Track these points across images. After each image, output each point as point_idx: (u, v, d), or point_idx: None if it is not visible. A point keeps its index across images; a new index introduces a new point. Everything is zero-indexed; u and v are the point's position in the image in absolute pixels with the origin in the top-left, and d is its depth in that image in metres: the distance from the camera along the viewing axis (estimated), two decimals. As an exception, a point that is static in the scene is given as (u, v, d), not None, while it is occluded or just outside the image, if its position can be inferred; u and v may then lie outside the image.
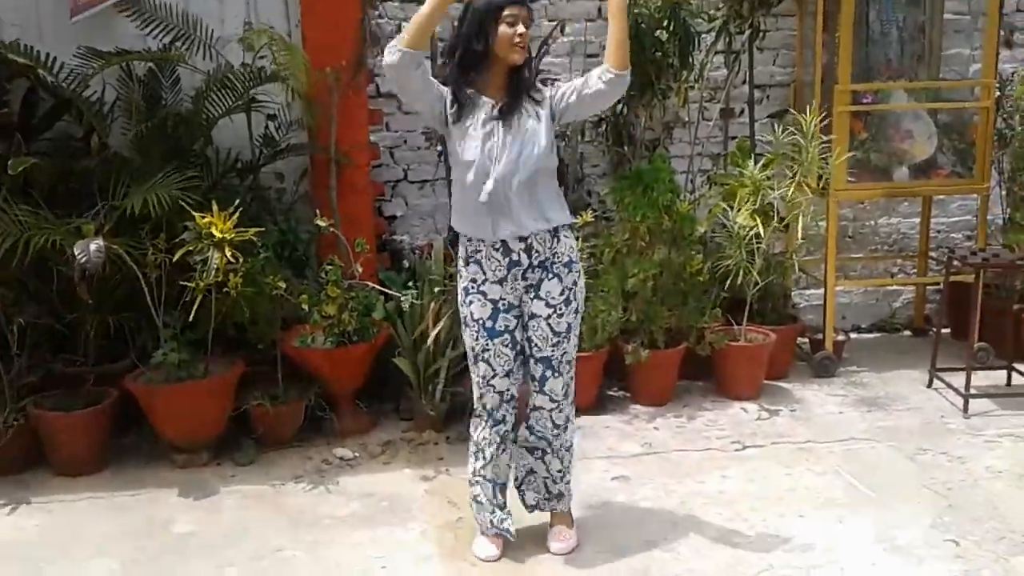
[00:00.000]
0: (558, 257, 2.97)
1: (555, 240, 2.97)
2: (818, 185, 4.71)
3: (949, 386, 4.64)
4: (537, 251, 2.94)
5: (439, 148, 4.94)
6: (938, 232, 5.79)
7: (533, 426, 3.12)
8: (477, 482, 3.15)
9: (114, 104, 4.33)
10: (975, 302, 4.61)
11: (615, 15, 2.87)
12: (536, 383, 3.06)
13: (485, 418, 3.09)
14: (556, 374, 3.04)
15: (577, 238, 4.39)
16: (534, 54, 3.16)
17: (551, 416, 3.09)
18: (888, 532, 3.29)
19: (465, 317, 3.01)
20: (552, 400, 3.06)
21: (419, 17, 2.74)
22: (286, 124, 4.55)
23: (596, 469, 3.86)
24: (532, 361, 3.06)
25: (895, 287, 5.90)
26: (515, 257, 2.93)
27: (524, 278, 2.97)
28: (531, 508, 3.26)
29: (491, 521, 3.15)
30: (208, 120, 4.28)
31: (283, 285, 3.88)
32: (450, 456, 3.99)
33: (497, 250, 2.92)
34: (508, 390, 3.05)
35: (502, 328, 2.99)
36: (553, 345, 3.00)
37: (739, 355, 4.65)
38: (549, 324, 2.98)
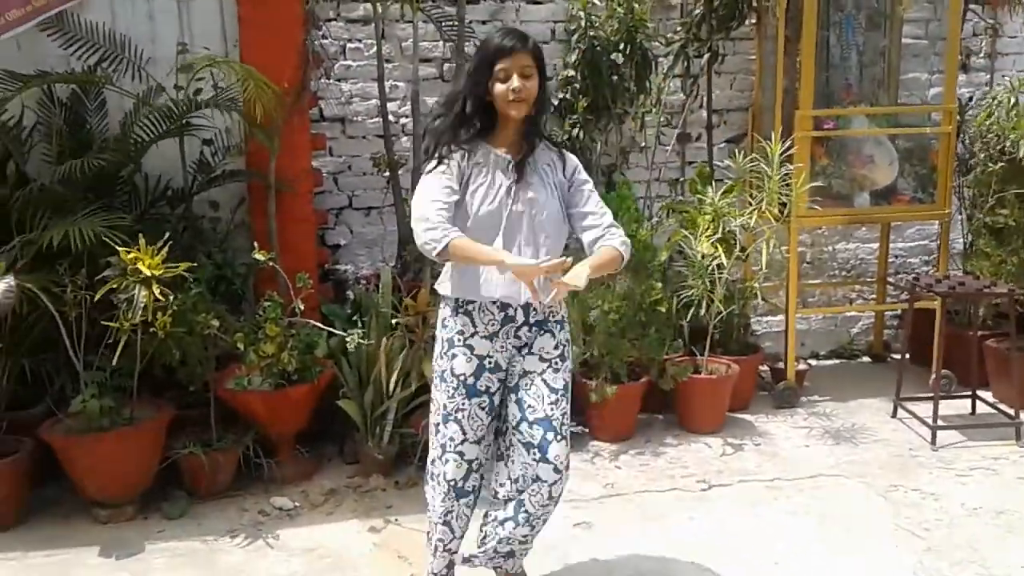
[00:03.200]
0: (552, 315, 2.75)
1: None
2: (781, 212, 4.57)
3: (914, 416, 4.52)
4: (535, 310, 2.71)
5: (387, 174, 4.70)
6: (895, 257, 5.71)
7: (524, 500, 2.76)
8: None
9: (33, 129, 4.02)
10: (940, 330, 4.51)
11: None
12: (536, 451, 2.67)
13: (446, 490, 2.76)
14: (559, 437, 2.67)
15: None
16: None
17: (551, 490, 2.69)
18: (867, 580, 3.11)
19: (444, 372, 2.72)
20: (556, 470, 2.66)
21: (466, 260, 2.55)
22: (223, 149, 4.28)
23: (556, 515, 3.54)
24: (527, 426, 2.69)
25: (853, 313, 5.80)
26: (511, 313, 2.69)
27: (516, 336, 2.73)
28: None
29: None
30: (138, 146, 3.99)
31: (216, 323, 3.58)
32: (400, 503, 3.72)
33: (495, 303, 2.68)
34: (477, 459, 2.76)
35: (483, 388, 2.71)
36: (552, 403, 2.69)
37: (702, 388, 4.47)
38: (544, 380, 2.71)
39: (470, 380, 2.70)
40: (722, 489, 3.87)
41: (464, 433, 2.72)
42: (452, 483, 2.74)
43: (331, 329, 4.04)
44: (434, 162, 2.64)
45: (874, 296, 5.63)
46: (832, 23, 4.95)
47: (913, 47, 5.43)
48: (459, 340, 2.70)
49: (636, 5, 4.64)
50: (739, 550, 3.33)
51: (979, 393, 4.66)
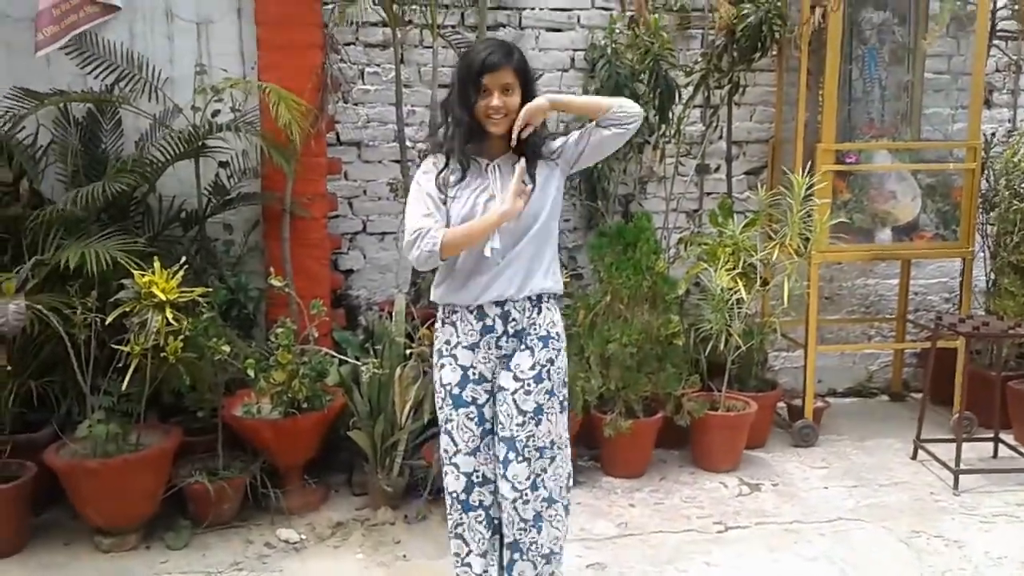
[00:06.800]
0: (535, 329, 2.69)
1: (535, 310, 2.69)
2: (803, 246, 4.49)
3: (935, 458, 4.40)
4: (514, 319, 2.66)
5: (402, 200, 4.65)
6: (915, 294, 5.60)
7: (504, 519, 2.75)
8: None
9: (48, 147, 3.99)
10: (963, 371, 4.40)
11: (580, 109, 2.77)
12: (500, 465, 2.69)
13: (450, 502, 2.76)
14: (520, 458, 2.66)
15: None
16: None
17: (516, 508, 2.68)
18: (891, 632, 3.00)
19: (437, 382, 2.76)
20: (515, 489, 2.66)
21: (466, 239, 2.56)
22: (238, 172, 4.24)
23: (568, 554, 3.48)
24: (496, 440, 2.71)
25: (871, 350, 5.69)
26: (489, 323, 2.66)
27: (498, 346, 2.69)
28: None
29: None
30: (154, 167, 3.95)
31: (227, 349, 3.51)
32: (408, 539, 3.63)
33: (472, 312, 2.66)
34: (475, 471, 2.71)
35: (468, 399, 2.70)
36: (518, 425, 2.66)
37: (719, 426, 4.37)
38: (515, 400, 2.67)
39: (455, 391, 2.70)
40: (739, 531, 3.77)
41: (455, 444, 2.71)
42: (455, 495, 2.74)
43: (343, 357, 3.97)
44: (422, 165, 2.70)
45: (892, 333, 5.53)
46: (855, 57, 4.88)
47: (936, 82, 5.37)
48: (446, 350, 2.72)
49: (663, 34, 4.59)
50: (758, 596, 3.23)
51: (1001, 436, 4.55)
